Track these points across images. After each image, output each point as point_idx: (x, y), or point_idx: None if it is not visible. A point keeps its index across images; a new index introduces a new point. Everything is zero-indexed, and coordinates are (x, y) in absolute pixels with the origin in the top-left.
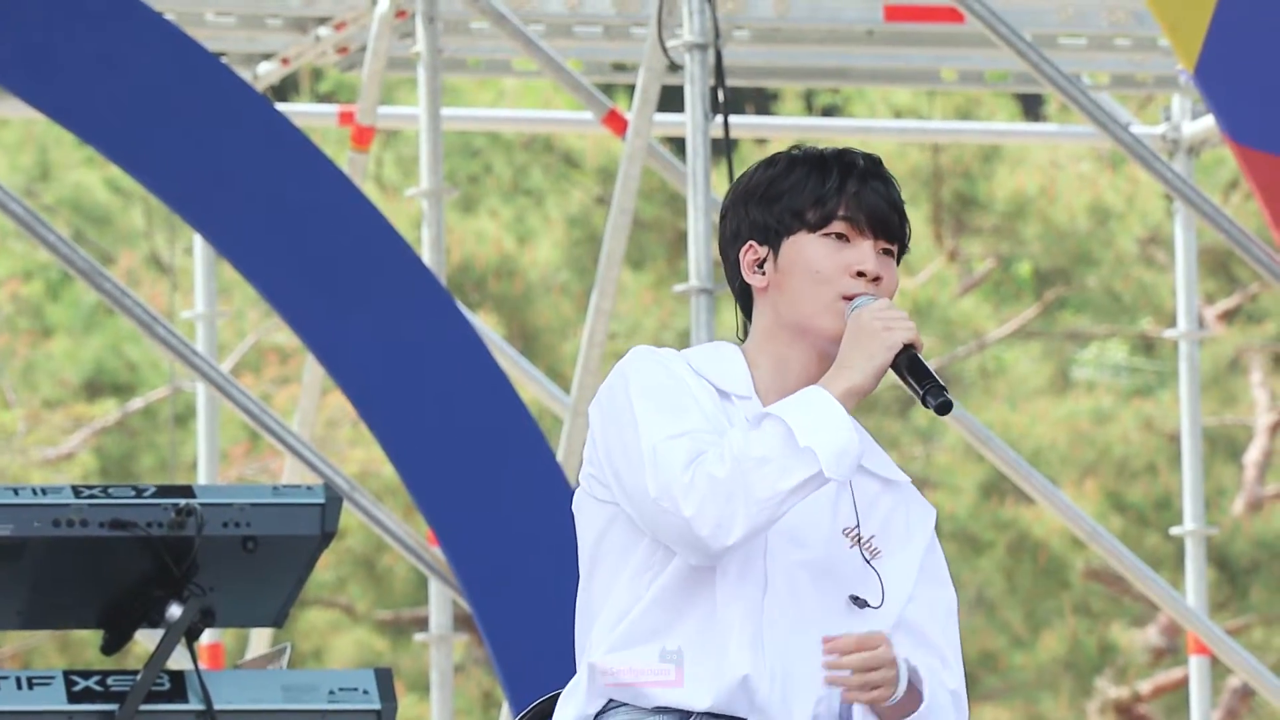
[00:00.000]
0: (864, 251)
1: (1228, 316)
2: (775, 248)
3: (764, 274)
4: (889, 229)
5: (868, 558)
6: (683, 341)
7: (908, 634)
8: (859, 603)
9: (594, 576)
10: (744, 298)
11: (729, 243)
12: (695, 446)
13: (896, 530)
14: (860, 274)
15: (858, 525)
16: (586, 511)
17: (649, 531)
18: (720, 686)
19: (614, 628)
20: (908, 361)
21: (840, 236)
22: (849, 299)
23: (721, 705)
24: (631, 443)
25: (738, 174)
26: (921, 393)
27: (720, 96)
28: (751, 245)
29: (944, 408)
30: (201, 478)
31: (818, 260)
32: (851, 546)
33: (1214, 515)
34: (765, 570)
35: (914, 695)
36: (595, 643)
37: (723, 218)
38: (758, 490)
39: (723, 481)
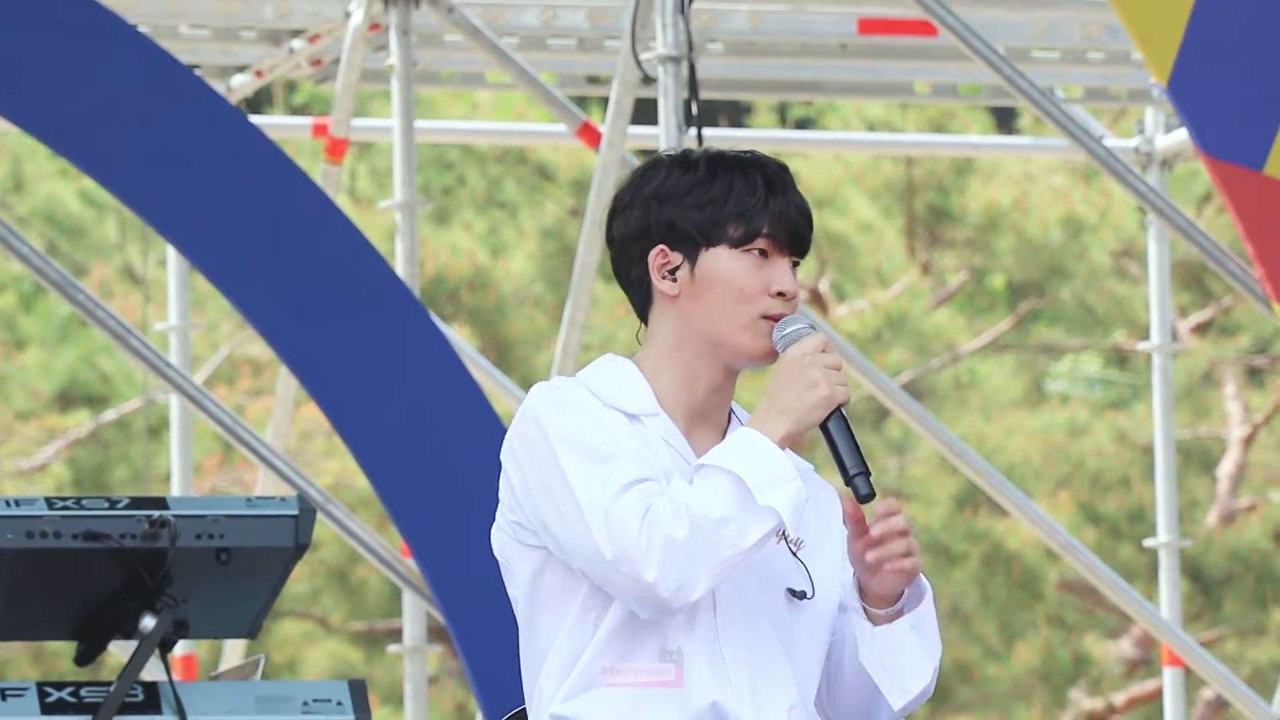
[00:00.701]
0: (782, 270)
1: (1201, 330)
2: (691, 257)
3: (675, 281)
4: (804, 244)
5: (794, 550)
6: None
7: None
8: (797, 595)
9: (536, 622)
10: (640, 294)
11: (632, 238)
12: (642, 500)
13: (811, 518)
14: (780, 294)
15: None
16: (514, 556)
17: (597, 583)
18: (688, 715)
19: (567, 674)
20: (840, 427)
21: (761, 253)
22: (769, 318)
23: None
24: (565, 501)
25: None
26: (851, 475)
27: (694, 109)
28: (663, 249)
29: (866, 499)
30: (175, 489)
31: (740, 278)
32: (779, 542)
33: (1188, 527)
34: (713, 590)
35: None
36: (548, 690)
37: (622, 208)
38: (721, 550)
39: (683, 543)
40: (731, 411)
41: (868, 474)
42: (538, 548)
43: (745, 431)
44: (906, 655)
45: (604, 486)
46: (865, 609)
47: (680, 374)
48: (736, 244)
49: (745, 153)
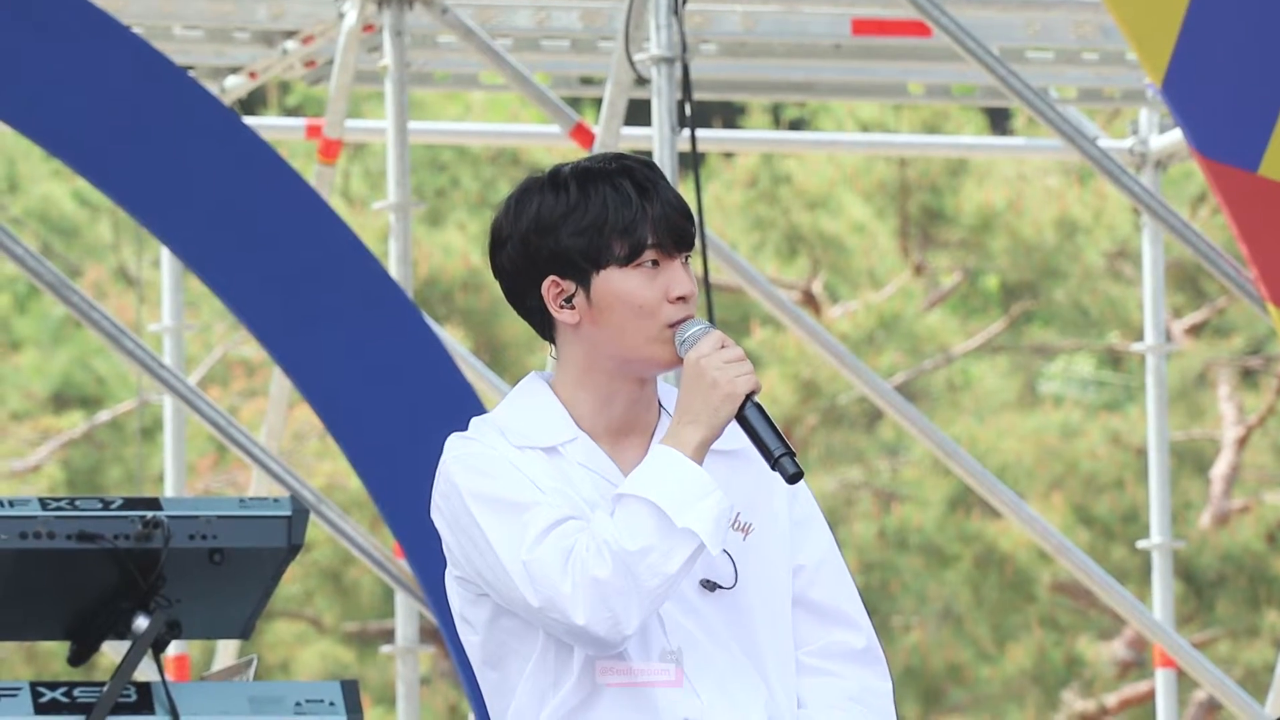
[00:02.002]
0: (676, 274)
1: (1195, 331)
2: (583, 283)
3: (574, 309)
4: (688, 240)
5: (737, 536)
6: None
7: (809, 612)
8: (707, 586)
9: (502, 663)
10: (540, 323)
11: (519, 271)
12: (561, 544)
13: (758, 499)
14: (680, 298)
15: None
16: (467, 606)
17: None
18: None
19: (536, 714)
20: (754, 414)
21: (653, 263)
22: (673, 325)
23: None
24: (492, 561)
25: (704, 187)
26: (775, 456)
27: (687, 110)
28: (554, 280)
29: (794, 479)
30: (168, 490)
31: (637, 294)
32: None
33: (1181, 529)
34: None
35: None
36: None
37: (501, 244)
38: (646, 581)
39: (607, 581)
40: (661, 406)
41: (792, 454)
42: (487, 596)
43: (659, 450)
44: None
45: (521, 536)
46: None
47: (596, 395)
48: (625, 261)
49: (611, 159)
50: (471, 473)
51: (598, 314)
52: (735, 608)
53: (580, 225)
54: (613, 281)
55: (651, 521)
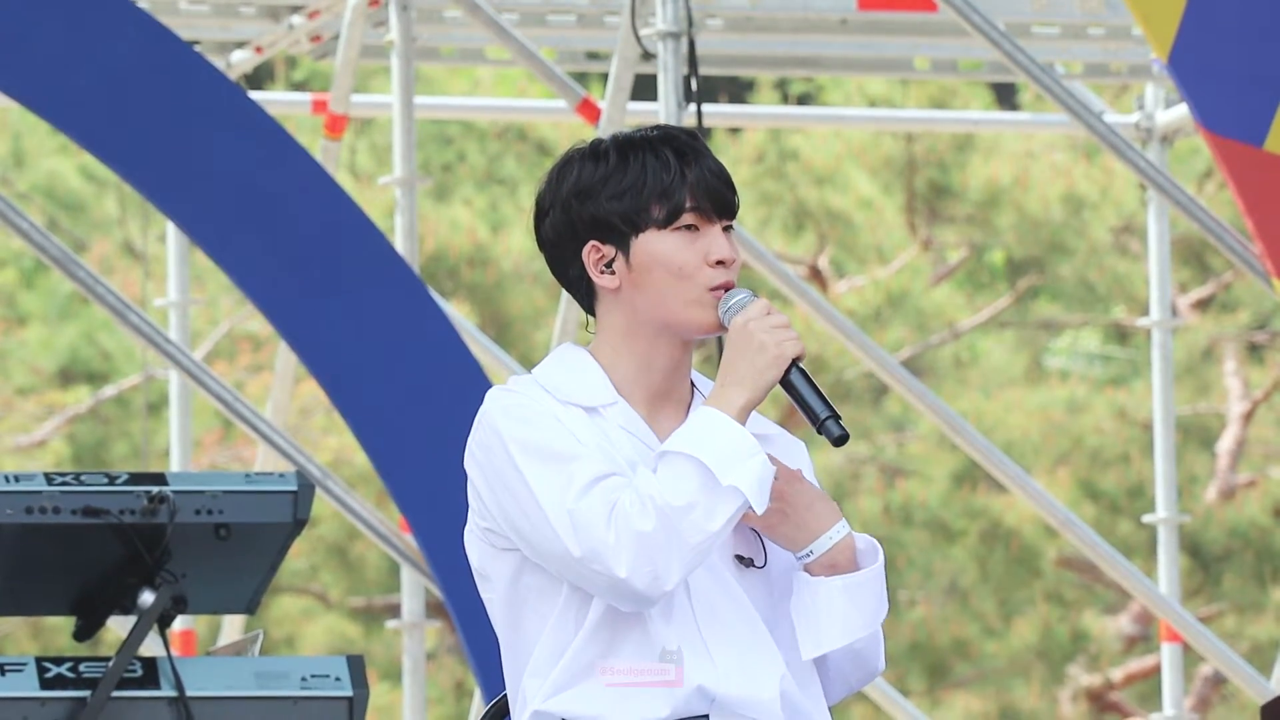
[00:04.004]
0: (716, 238)
1: (1201, 305)
2: (623, 247)
3: (614, 273)
4: (730, 207)
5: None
6: None
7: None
8: (744, 562)
9: (519, 624)
10: (583, 292)
11: (560, 240)
12: (607, 497)
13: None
14: (719, 262)
15: None
16: (489, 561)
17: (572, 584)
18: (675, 702)
19: (550, 670)
20: (800, 379)
21: (690, 227)
22: (714, 290)
23: (680, 711)
24: (531, 507)
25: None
26: (820, 419)
27: (693, 85)
28: (594, 245)
29: (841, 440)
30: (174, 465)
31: (676, 256)
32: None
33: (1187, 503)
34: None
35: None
36: (531, 689)
37: (544, 212)
38: (689, 537)
39: (651, 535)
40: (694, 385)
41: (837, 417)
42: (513, 550)
43: (704, 411)
44: (831, 613)
45: (567, 487)
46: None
47: (636, 361)
48: (663, 224)
49: (653, 130)
50: (516, 421)
51: (637, 277)
52: (763, 585)
53: (619, 189)
54: (651, 244)
55: (697, 478)
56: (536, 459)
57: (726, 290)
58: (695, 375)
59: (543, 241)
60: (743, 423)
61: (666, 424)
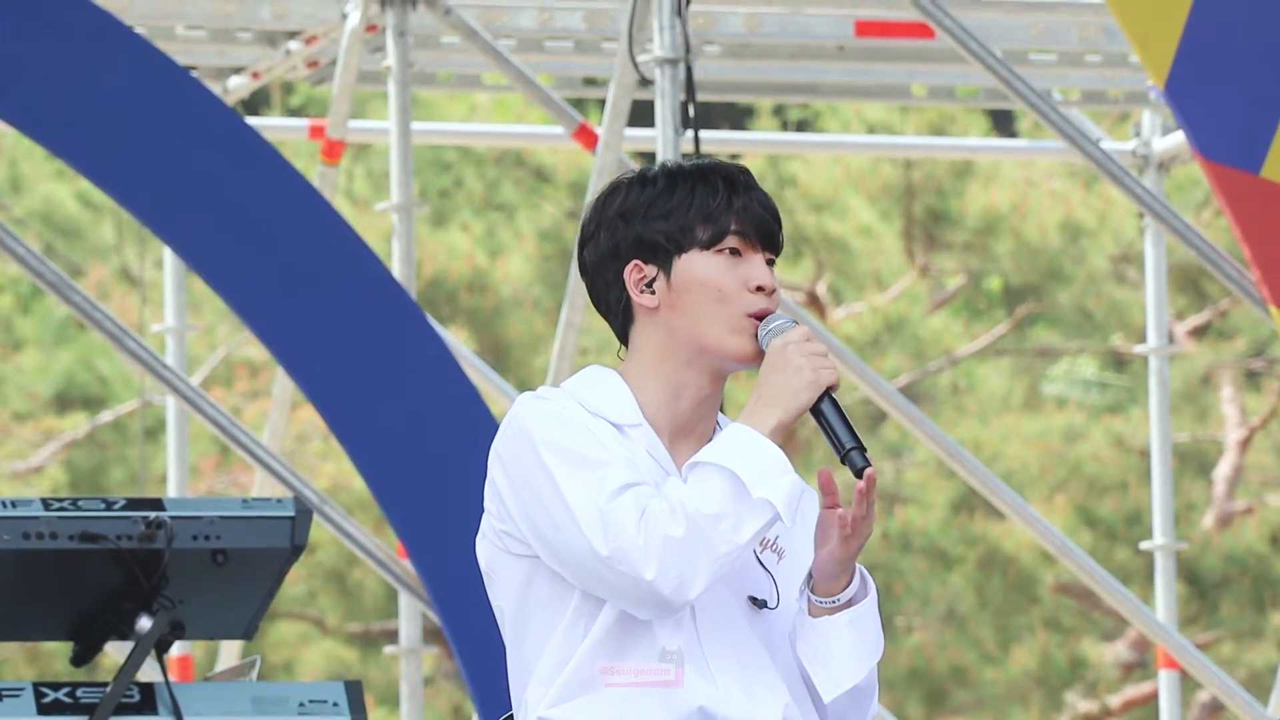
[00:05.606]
0: (758, 265)
1: (1198, 333)
2: (665, 266)
3: (654, 293)
4: (775, 240)
5: (773, 558)
6: None
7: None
8: (757, 603)
9: (525, 631)
10: (620, 316)
11: (604, 261)
12: (638, 502)
13: (798, 529)
14: (759, 288)
15: None
16: (501, 565)
17: (591, 589)
18: (676, 717)
19: (553, 679)
20: (830, 408)
21: (734, 252)
22: (753, 316)
23: None
24: (556, 506)
25: None
26: (846, 450)
27: (691, 111)
28: (637, 264)
29: (863, 473)
30: (171, 491)
31: (717, 278)
32: (762, 550)
33: (1184, 530)
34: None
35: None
36: (534, 698)
37: (590, 236)
38: (718, 547)
39: (680, 541)
40: (718, 425)
41: (863, 449)
42: (526, 556)
43: (736, 427)
44: (841, 649)
45: (598, 489)
46: (809, 600)
47: (666, 386)
48: (707, 245)
49: (704, 159)
50: (549, 425)
51: (677, 298)
52: (772, 627)
53: (665, 209)
54: (694, 264)
55: (728, 489)
56: (567, 461)
57: (765, 318)
58: (721, 417)
59: (584, 268)
60: (776, 442)
61: (686, 458)
